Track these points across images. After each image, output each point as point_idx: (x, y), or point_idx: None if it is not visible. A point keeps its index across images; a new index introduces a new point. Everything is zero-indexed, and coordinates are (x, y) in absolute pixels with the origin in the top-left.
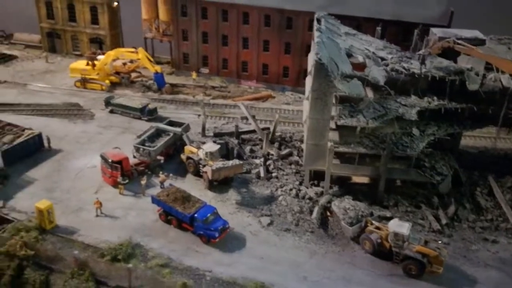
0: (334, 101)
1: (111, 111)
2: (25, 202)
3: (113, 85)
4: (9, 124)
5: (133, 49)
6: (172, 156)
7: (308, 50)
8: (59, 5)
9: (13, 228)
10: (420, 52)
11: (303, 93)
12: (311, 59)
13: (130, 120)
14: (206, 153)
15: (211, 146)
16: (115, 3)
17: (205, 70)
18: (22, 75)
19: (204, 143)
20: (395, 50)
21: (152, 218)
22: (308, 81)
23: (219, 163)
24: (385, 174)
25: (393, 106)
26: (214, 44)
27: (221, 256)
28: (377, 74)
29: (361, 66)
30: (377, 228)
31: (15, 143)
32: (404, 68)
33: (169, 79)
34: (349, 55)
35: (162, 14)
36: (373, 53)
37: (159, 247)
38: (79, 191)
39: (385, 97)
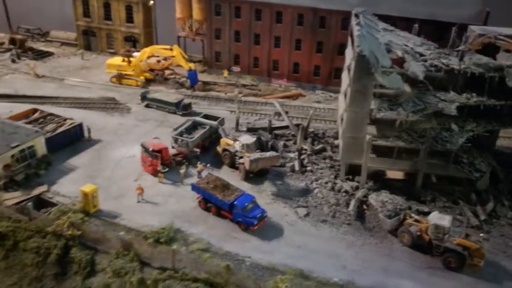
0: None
1: (147, 106)
2: (68, 188)
3: (147, 82)
4: (50, 114)
5: (168, 46)
6: (207, 149)
7: (340, 49)
8: (96, 4)
9: (58, 211)
10: (459, 48)
11: (334, 92)
12: (348, 54)
13: (165, 115)
14: (243, 145)
15: (247, 138)
16: (151, 2)
17: (236, 69)
18: (59, 71)
19: (238, 136)
20: (433, 47)
21: (192, 206)
22: (345, 76)
23: (257, 154)
24: (424, 168)
25: (432, 101)
26: (246, 43)
27: (260, 243)
28: (416, 69)
29: (399, 61)
30: (416, 221)
31: (57, 131)
32: (443, 64)
33: (201, 77)
34: (388, 50)
35: (196, 13)
36: (412, 48)
37: (199, 233)
38: (120, 179)
39: (424, 92)
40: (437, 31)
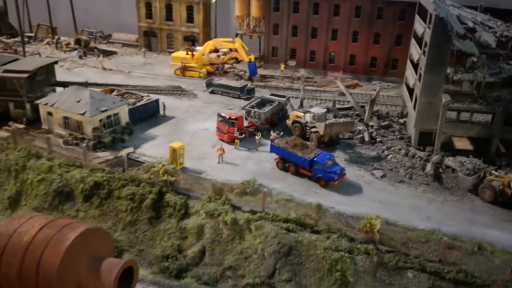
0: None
1: (212, 92)
2: (152, 151)
3: (209, 75)
4: (127, 92)
5: (230, 39)
6: (275, 124)
7: (397, 40)
8: (158, 5)
9: (147, 167)
10: None
11: (391, 82)
12: (418, 26)
13: (230, 99)
14: (314, 114)
15: (318, 109)
16: (213, 0)
17: (292, 63)
18: (124, 66)
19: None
20: (500, 23)
21: (269, 167)
22: (413, 46)
23: (331, 119)
24: (498, 133)
25: (506, 67)
26: (303, 37)
27: (341, 197)
28: (488, 37)
29: (471, 31)
30: (497, 177)
31: (137, 105)
32: None
33: (258, 71)
34: (459, 21)
35: (254, 11)
36: (481, 22)
37: (280, 188)
38: (198, 146)
39: (496, 60)
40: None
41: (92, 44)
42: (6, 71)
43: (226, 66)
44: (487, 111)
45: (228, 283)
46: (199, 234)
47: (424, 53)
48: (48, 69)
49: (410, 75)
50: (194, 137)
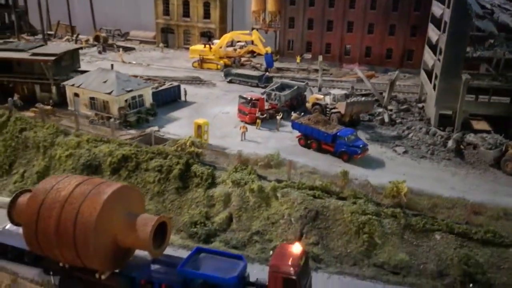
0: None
1: (230, 81)
2: (176, 130)
3: (225, 67)
4: (149, 78)
5: (247, 32)
6: (294, 108)
7: (413, 31)
8: (176, 2)
9: (173, 142)
10: None
11: (407, 73)
12: (436, 8)
13: (248, 88)
14: (334, 96)
15: (338, 92)
16: None
17: (307, 56)
18: (143, 59)
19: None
20: None
21: (291, 144)
22: (431, 30)
23: (352, 98)
24: None
25: None
26: (318, 30)
27: (364, 171)
28: (506, 18)
29: (489, 14)
30: None
31: (159, 88)
32: None
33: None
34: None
35: (270, 5)
36: (498, 4)
37: (304, 162)
38: (220, 127)
39: None
40: None
41: (110, 41)
42: (34, 54)
43: (243, 59)
44: (508, 88)
45: (255, 247)
46: (226, 202)
47: (444, 31)
48: (73, 55)
49: (429, 57)
50: (216, 119)
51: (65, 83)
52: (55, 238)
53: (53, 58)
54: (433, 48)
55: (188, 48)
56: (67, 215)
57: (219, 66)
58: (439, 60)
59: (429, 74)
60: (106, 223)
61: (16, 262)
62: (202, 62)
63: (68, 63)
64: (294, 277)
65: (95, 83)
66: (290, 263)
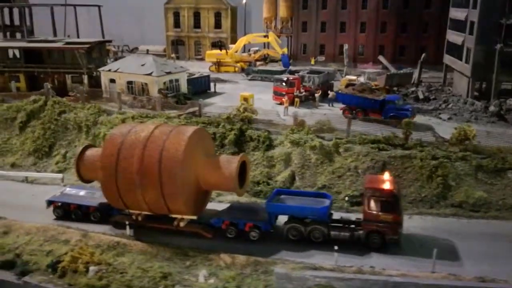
0: None
1: (251, 79)
2: (215, 110)
3: (242, 70)
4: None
5: (263, 34)
6: (325, 94)
7: (425, 28)
8: (186, 14)
9: (221, 115)
10: None
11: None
12: None
13: (270, 84)
14: (368, 74)
15: (371, 70)
16: (244, 1)
17: (321, 58)
18: None
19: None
20: None
21: (335, 117)
22: (455, 11)
23: (392, 70)
24: None
25: None
26: (332, 32)
27: (415, 134)
28: None
29: None
30: None
31: (191, 77)
32: None
33: None
34: None
35: (282, 11)
36: None
37: (353, 128)
38: (259, 107)
39: None
40: None
41: (119, 55)
42: (67, 43)
43: (258, 63)
44: None
45: None
46: (287, 161)
47: (474, 5)
48: (101, 49)
49: (456, 36)
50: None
51: (100, 69)
52: (138, 177)
53: (87, 46)
54: (458, 29)
55: (200, 59)
56: (151, 153)
57: (236, 69)
58: (471, 34)
59: (457, 55)
60: (190, 160)
61: (82, 222)
62: (219, 66)
63: (97, 56)
64: (396, 193)
65: (132, 67)
66: (387, 184)
